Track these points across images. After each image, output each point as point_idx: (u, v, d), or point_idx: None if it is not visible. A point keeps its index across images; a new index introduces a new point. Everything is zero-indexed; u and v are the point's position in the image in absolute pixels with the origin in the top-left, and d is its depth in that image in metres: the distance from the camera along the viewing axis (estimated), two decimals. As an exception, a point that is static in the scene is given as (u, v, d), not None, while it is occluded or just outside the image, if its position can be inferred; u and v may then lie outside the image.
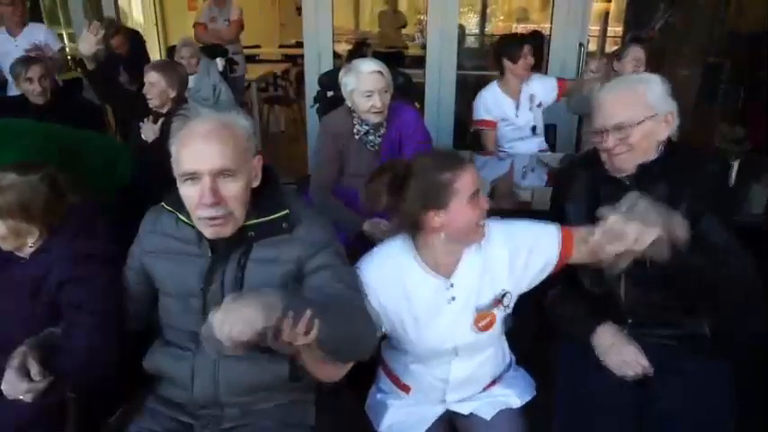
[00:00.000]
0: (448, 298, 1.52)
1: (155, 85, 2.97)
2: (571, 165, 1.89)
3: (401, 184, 1.45)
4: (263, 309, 1.11)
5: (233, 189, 1.34)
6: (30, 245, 1.55)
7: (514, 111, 3.45)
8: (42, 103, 3.25)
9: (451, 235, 1.47)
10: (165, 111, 3.01)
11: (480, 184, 1.46)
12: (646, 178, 1.62)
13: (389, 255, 1.56)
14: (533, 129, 3.49)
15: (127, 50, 4.67)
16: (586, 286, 1.69)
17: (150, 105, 3.02)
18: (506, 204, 2.80)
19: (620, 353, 1.61)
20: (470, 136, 3.64)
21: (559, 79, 3.55)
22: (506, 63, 3.39)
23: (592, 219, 1.64)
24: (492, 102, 3.45)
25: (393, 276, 1.52)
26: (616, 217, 1.33)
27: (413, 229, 1.50)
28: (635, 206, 1.34)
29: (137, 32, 5.11)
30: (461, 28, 5.47)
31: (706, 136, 3.76)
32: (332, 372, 1.47)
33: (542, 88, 3.47)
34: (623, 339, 1.62)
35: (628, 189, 1.64)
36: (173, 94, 3.01)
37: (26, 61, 3.28)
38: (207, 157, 1.31)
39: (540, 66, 4.67)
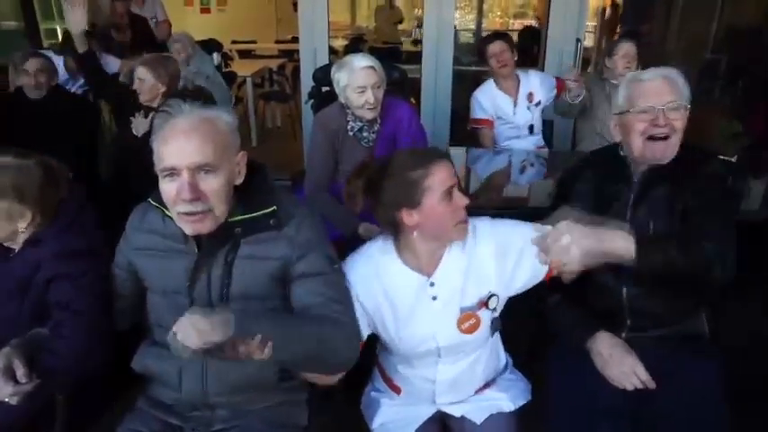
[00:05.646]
0: (429, 296, 1.49)
1: (144, 82, 2.97)
2: (580, 162, 1.83)
3: (376, 184, 1.44)
4: (217, 324, 1.18)
5: (213, 184, 1.33)
6: (21, 230, 1.52)
7: (512, 108, 3.37)
8: (38, 99, 3.23)
9: (428, 233, 1.45)
10: (155, 105, 3.00)
11: (455, 180, 1.42)
12: (654, 177, 1.60)
13: (371, 254, 1.55)
14: (531, 128, 3.43)
15: (130, 38, 4.56)
16: (589, 292, 1.65)
17: (141, 100, 3.01)
18: (496, 196, 2.80)
19: (619, 364, 1.57)
20: (467, 135, 3.60)
21: (558, 78, 3.45)
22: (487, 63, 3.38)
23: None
24: (487, 101, 3.39)
25: (373, 275, 1.51)
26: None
27: (392, 228, 1.49)
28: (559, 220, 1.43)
29: (145, 20, 4.91)
30: (458, 23, 5.43)
31: (703, 132, 3.73)
32: (320, 378, 1.46)
33: (542, 87, 3.39)
34: (623, 350, 1.58)
35: (633, 189, 1.63)
36: (162, 89, 2.99)
37: (25, 54, 3.25)
38: (186, 153, 1.30)
39: (536, 61, 4.66)
